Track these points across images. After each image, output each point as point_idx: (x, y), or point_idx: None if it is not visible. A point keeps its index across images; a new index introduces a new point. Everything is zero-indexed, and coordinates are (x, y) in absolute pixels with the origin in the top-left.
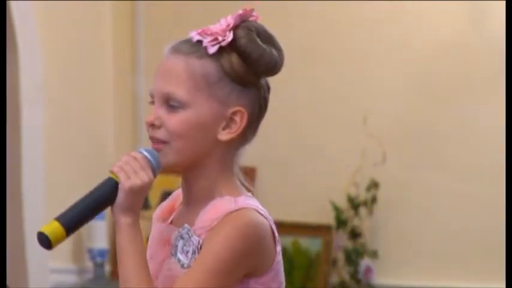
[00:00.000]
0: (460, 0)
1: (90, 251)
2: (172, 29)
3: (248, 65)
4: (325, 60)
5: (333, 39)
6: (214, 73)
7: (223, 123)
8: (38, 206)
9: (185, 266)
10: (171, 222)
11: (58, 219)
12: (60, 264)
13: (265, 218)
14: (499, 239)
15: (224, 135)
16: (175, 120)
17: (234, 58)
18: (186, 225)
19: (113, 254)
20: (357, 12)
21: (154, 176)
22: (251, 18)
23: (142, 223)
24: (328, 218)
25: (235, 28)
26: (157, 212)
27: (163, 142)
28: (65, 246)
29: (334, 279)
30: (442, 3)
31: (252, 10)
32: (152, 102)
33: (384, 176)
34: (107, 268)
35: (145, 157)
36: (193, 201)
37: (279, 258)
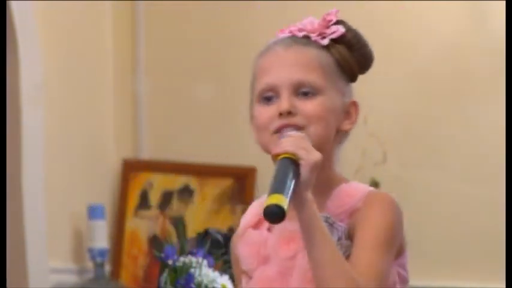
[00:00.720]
0: (460, 0)
1: (91, 250)
2: (172, 29)
3: (356, 56)
4: None
5: None
6: (332, 64)
7: (343, 114)
8: (38, 206)
9: None
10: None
11: (274, 192)
12: (60, 264)
13: None
14: (499, 239)
15: (346, 125)
16: (313, 105)
17: (343, 50)
18: (323, 214)
19: (113, 254)
20: (357, 12)
21: None
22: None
23: (143, 223)
24: None
25: (336, 24)
26: (247, 220)
27: (300, 128)
28: (65, 246)
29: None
30: (442, 3)
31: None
32: (265, 99)
33: (384, 175)
34: (107, 268)
35: (307, 137)
36: (315, 192)
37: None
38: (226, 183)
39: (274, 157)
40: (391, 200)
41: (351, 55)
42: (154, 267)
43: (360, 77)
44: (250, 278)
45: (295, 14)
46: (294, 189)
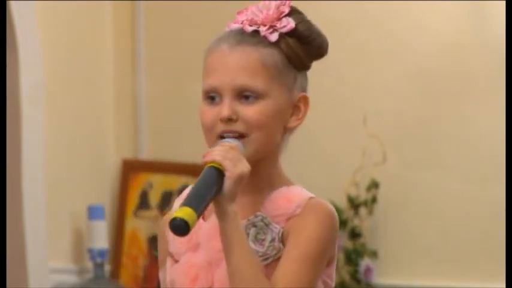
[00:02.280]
0: (460, 0)
1: (90, 251)
2: (172, 29)
3: (307, 49)
4: (325, 60)
5: (332, 39)
6: (280, 60)
7: (291, 110)
8: (38, 206)
9: (260, 254)
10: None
11: (185, 205)
12: (60, 264)
13: None
14: (499, 239)
15: (293, 122)
16: (253, 112)
17: (293, 43)
18: (259, 213)
19: (112, 254)
20: (357, 11)
21: None
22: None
23: (143, 223)
24: None
25: (288, 14)
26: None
27: (242, 135)
28: (65, 246)
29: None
30: (442, 3)
31: None
32: (210, 98)
33: (384, 176)
34: (107, 268)
35: (239, 146)
36: (252, 189)
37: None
38: None
39: (203, 164)
40: (329, 211)
41: (301, 48)
42: (154, 267)
43: (360, 77)
44: (176, 261)
45: None
46: (214, 200)
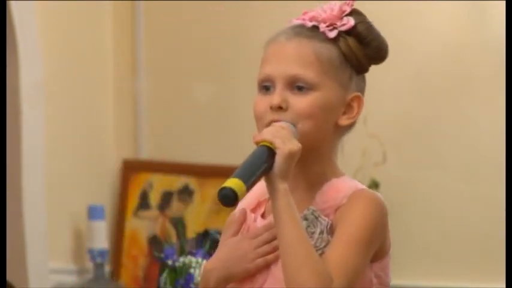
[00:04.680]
0: (460, 0)
1: (90, 251)
2: (172, 29)
3: (366, 50)
4: None
5: None
6: (336, 57)
7: (343, 109)
8: (38, 206)
9: None
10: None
11: (235, 176)
12: (60, 264)
13: None
14: (499, 239)
15: (344, 120)
16: (304, 102)
17: (352, 43)
18: (311, 207)
19: (112, 254)
20: None
21: None
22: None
23: (143, 223)
24: None
25: (349, 14)
26: (246, 202)
27: (291, 124)
28: (65, 247)
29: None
30: (442, 3)
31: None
32: (264, 88)
33: (384, 176)
34: (107, 268)
35: (290, 127)
36: (305, 185)
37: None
38: None
39: (256, 145)
40: (376, 199)
41: (360, 48)
42: (154, 267)
43: None
44: None
45: (295, 14)
46: (266, 177)
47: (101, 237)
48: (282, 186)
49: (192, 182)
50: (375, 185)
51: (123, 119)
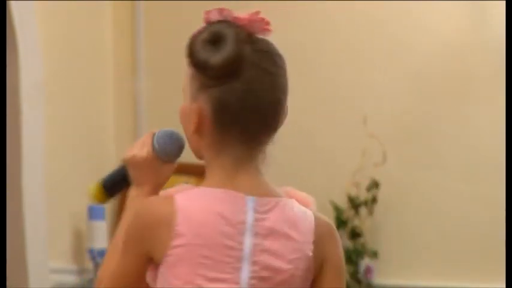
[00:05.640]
0: (460, 0)
1: (90, 251)
2: (172, 29)
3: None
4: (325, 60)
5: (333, 39)
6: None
7: (189, 118)
8: (38, 206)
9: None
10: None
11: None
12: (60, 264)
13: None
14: (499, 239)
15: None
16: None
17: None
18: None
19: None
20: (357, 12)
21: (159, 155)
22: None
23: None
24: (328, 217)
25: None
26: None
27: None
28: (65, 246)
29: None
30: (442, 3)
31: (222, 9)
32: None
33: (384, 176)
34: None
35: (152, 134)
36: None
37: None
38: None
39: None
40: (137, 207)
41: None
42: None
43: (360, 77)
44: None
45: (295, 13)
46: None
47: (101, 237)
48: (132, 193)
49: (192, 181)
50: (375, 185)
51: (123, 119)
